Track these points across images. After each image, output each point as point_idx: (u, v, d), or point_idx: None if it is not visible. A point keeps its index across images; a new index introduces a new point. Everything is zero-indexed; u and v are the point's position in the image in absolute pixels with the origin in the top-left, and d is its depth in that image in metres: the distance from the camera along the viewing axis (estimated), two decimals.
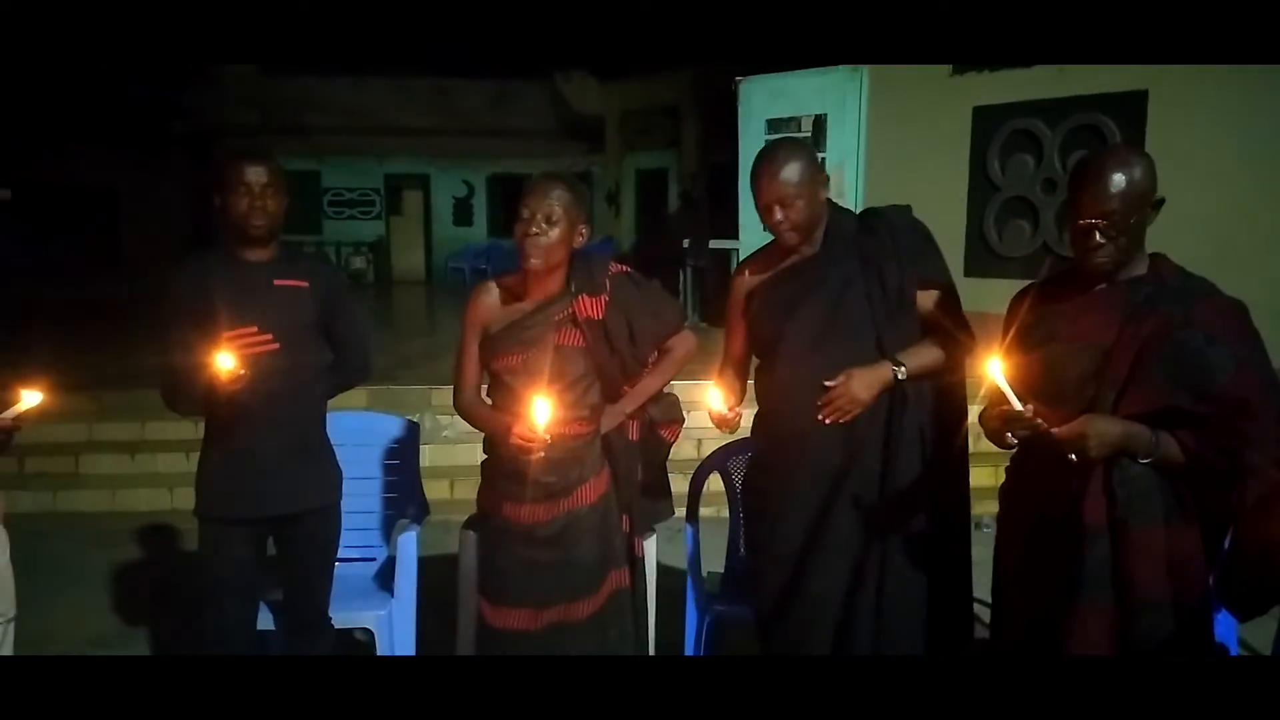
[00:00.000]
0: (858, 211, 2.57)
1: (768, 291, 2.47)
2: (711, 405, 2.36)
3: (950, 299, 2.38)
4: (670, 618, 3.16)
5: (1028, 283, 2.26)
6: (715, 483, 3.39)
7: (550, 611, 2.47)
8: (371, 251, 17.91)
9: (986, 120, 6.61)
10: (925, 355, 2.32)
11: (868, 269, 2.36)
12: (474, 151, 17.57)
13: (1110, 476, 1.94)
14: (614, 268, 2.55)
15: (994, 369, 1.89)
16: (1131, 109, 5.80)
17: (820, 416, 2.27)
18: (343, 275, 3.01)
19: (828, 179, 2.42)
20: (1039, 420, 1.89)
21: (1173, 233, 2.50)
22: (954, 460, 2.39)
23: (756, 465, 2.60)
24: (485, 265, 15.61)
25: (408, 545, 3.11)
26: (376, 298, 15.11)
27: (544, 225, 2.33)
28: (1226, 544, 2.03)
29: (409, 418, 3.64)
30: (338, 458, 2.76)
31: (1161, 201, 1.97)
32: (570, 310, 2.44)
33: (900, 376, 2.29)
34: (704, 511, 3.32)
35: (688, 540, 3.24)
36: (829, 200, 2.46)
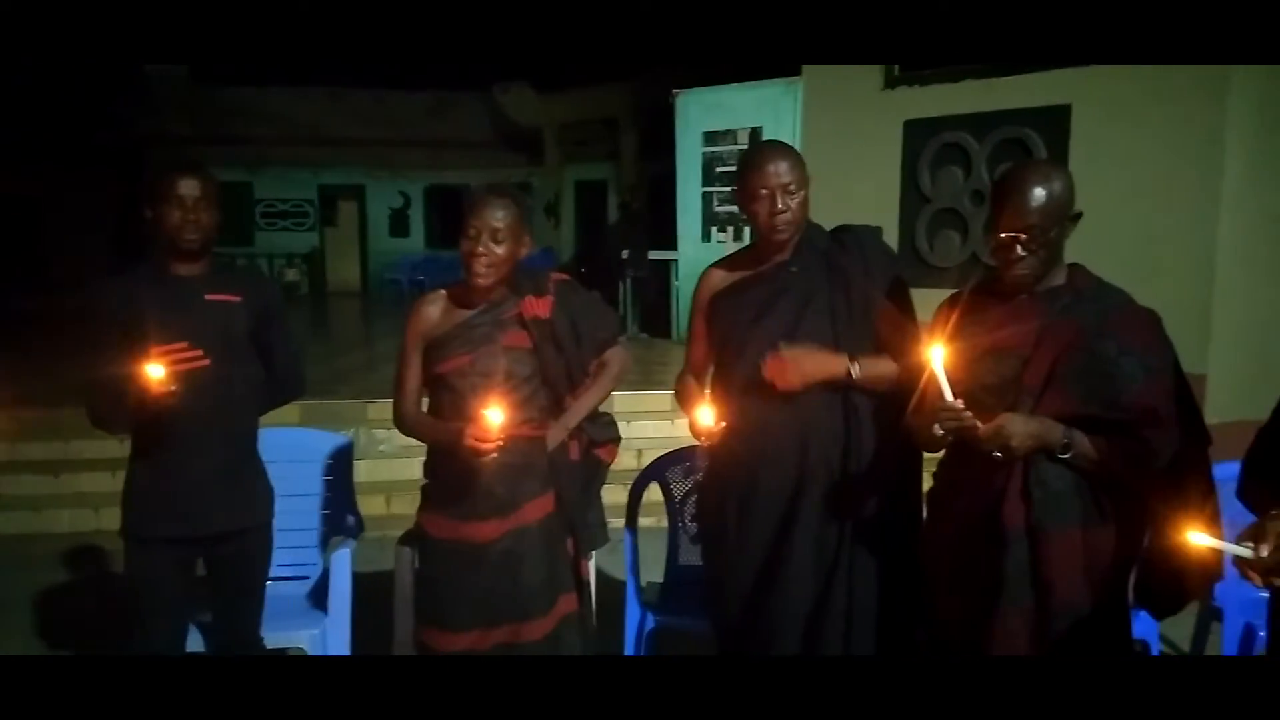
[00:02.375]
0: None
1: (733, 297, 2.48)
2: (702, 421, 2.33)
3: (910, 323, 2.39)
4: (608, 629, 3.17)
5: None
6: (654, 493, 3.40)
7: (497, 633, 2.43)
8: (305, 263, 17.63)
9: (917, 133, 6.74)
10: (881, 367, 2.34)
11: (835, 282, 2.38)
12: (411, 162, 17.43)
13: (1027, 480, 1.99)
14: (554, 275, 2.58)
15: (935, 355, 1.93)
16: (1055, 122, 5.97)
17: (765, 368, 2.28)
18: (276, 289, 2.94)
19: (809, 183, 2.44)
20: (968, 414, 1.93)
21: (1094, 243, 2.59)
22: (909, 468, 2.41)
23: (714, 476, 2.58)
24: (422, 277, 15.46)
25: (341, 562, 3.07)
26: (311, 310, 14.89)
27: (490, 244, 2.33)
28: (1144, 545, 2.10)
29: (343, 433, 3.60)
30: (269, 475, 2.72)
31: (1079, 215, 2.04)
32: (517, 311, 2.44)
33: (854, 374, 2.31)
34: (643, 521, 3.33)
35: (627, 550, 3.25)
36: None
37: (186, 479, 2.49)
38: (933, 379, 1.96)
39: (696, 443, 2.44)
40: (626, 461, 5.57)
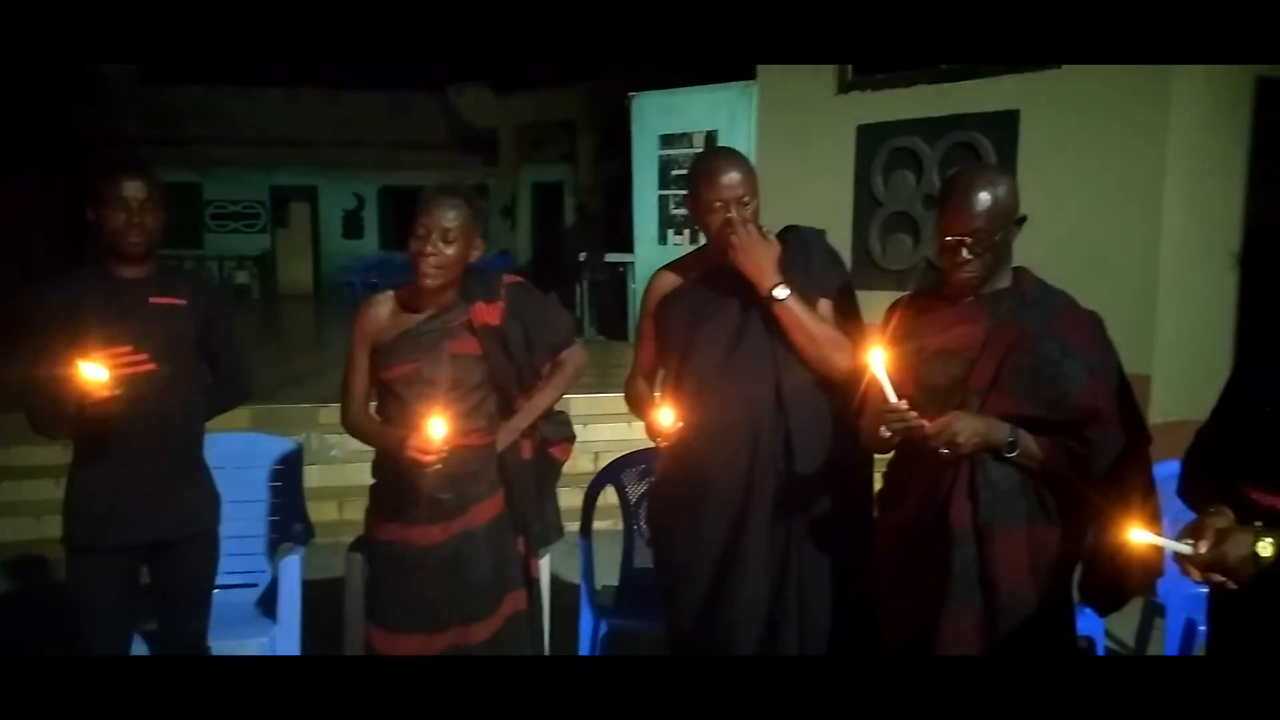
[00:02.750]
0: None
1: (681, 300, 2.47)
2: (661, 422, 2.32)
3: (854, 324, 2.40)
4: (564, 632, 3.16)
5: None
6: (610, 495, 3.40)
7: (445, 636, 2.41)
8: (256, 265, 17.39)
9: (869, 138, 6.81)
10: (813, 319, 2.32)
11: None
12: (365, 163, 17.26)
13: (974, 480, 2.02)
14: (506, 278, 2.54)
15: (875, 359, 1.95)
16: (1004, 127, 6.07)
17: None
18: (223, 292, 2.90)
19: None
20: (913, 413, 1.95)
21: (1041, 245, 2.64)
22: (859, 469, 2.41)
23: (663, 480, 2.58)
24: (376, 279, 15.30)
25: (291, 569, 3.03)
26: (262, 313, 14.68)
27: (440, 244, 2.30)
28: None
29: (294, 437, 3.56)
30: (216, 481, 2.67)
31: (1024, 219, 2.07)
32: (466, 317, 2.41)
33: (779, 295, 2.28)
34: (598, 525, 3.32)
35: (580, 554, 3.24)
36: None
37: (130, 485, 2.44)
38: (874, 382, 1.98)
39: (653, 445, 2.44)
40: (583, 465, 5.56)
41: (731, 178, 2.32)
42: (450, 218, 2.31)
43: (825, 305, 2.38)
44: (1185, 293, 5.49)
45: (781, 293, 2.28)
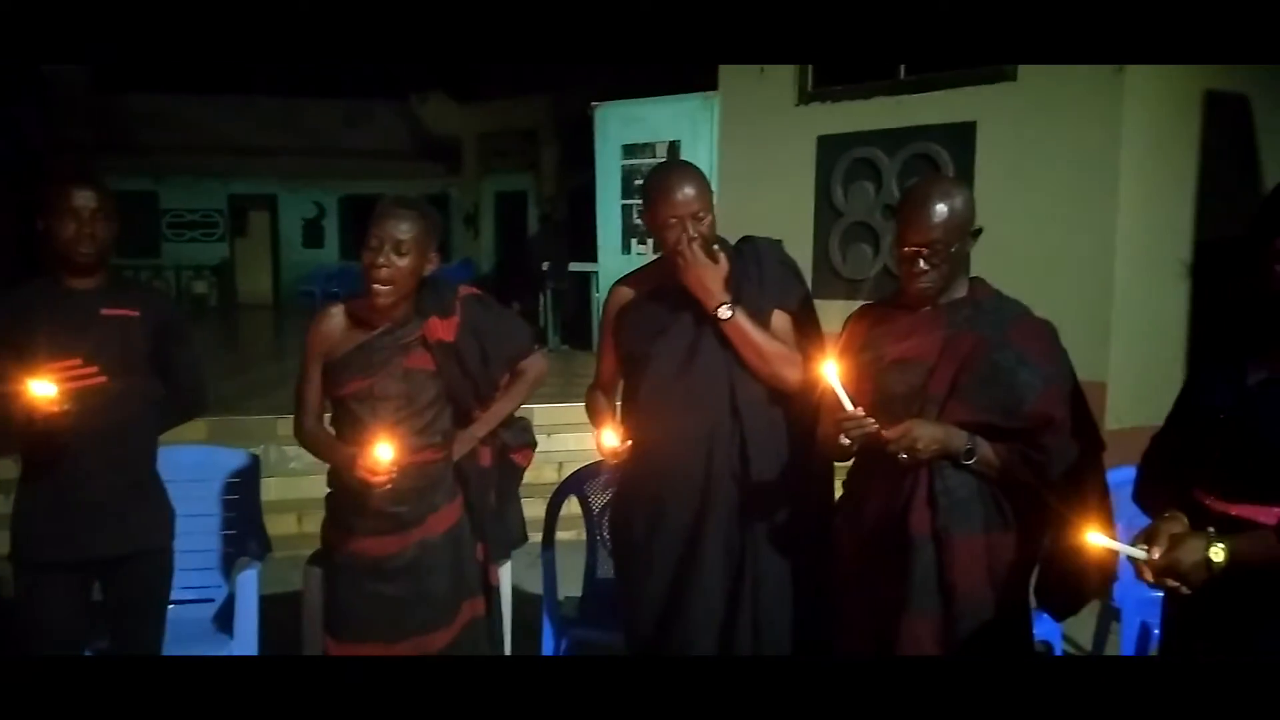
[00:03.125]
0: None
1: (638, 312, 2.48)
2: (605, 443, 2.33)
3: (810, 334, 2.41)
4: (528, 643, 3.14)
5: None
6: (573, 506, 3.39)
7: (403, 645, 2.39)
8: (215, 275, 17.16)
9: (829, 149, 6.87)
10: (763, 335, 2.33)
11: (731, 295, 2.38)
12: (325, 171, 17.10)
13: (933, 487, 2.04)
14: (462, 290, 2.52)
15: (828, 371, 1.97)
16: (962, 139, 6.14)
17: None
18: (177, 303, 2.86)
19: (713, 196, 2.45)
20: (871, 419, 1.97)
21: (998, 255, 2.68)
22: (817, 477, 2.43)
23: (622, 492, 2.59)
24: (337, 289, 15.15)
25: (248, 584, 2.99)
26: (220, 323, 14.49)
27: (393, 256, 2.27)
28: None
29: (251, 450, 3.51)
30: (171, 495, 2.62)
31: (979, 230, 2.10)
32: (420, 333, 2.39)
33: (723, 315, 2.29)
34: (562, 535, 3.31)
35: (543, 564, 3.22)
36: None
37: (80, 500, 2.40)
38: (830, 392, 1.99)
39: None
40: (547, 475, 5.54)
41: (685, 193, 2.31)
42: (404, 229, 2.28)
43: (780, 317, 2.40)
44: (1139, 301, 5.59)
45: (726, 313, 2.30)
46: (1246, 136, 5.82)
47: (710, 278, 2.30)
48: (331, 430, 2.45)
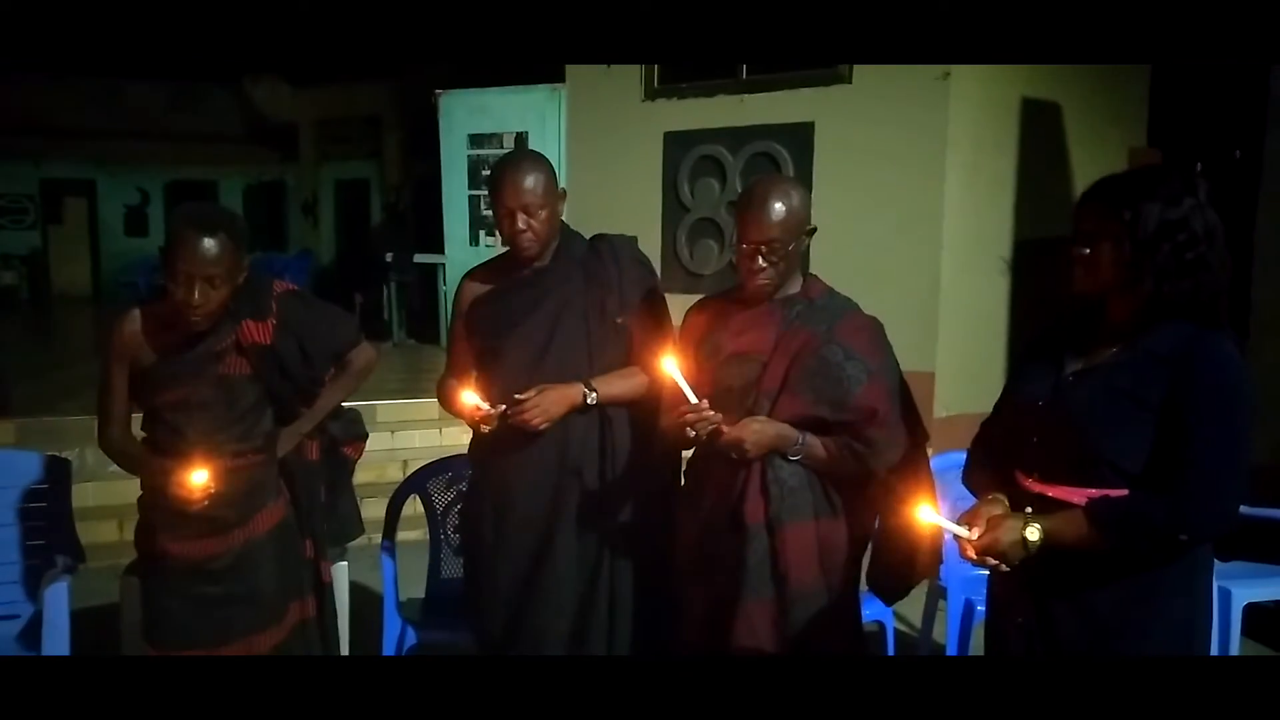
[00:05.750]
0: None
1: (492, 304, 2.44)
2: (466, 402, 2.27)
3: (663, 330, 2.43)
4: (369, 644, 3.05)
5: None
6: (417, 505, 3.31)
7: (229, 648, 2.30)
8: (25, 265, 15.86)
9: (676, 145, 6.95)
10: (625, 384, 2.37)
11: (590, 291, 2.39)
12: (150, 156, 16.07)
13: (765, 478, 2.12)
14: (278, 287, 2.40)
15: (669, 366, 2.02)
16: (801, 138, 6.33)
17: (508, 411, 2.26)
18: None
19: (564, 194, 2.43)
20: (714, 412, 2.02)
21: (834, 251, 2.80)
22: (667, 468, 2.46)
23: (473, 489, 2.56)
24: (164, 280, 14.31)
25: (58, 597, 2.77)
26: (32, 317, 13.45)
27: (208, 292, 2.12)
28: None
29: (65, 453, 3.26)
30: None
31: (814, 229, 2.19)
32: (234, 338, 2.27)
33: (590, 401, 2.33)
34: (406, 535, 3.23)
35: (384, 564, 3.13)
36: (562, 219, 2.47)
37: None
38: (672, 385, 2.04)
39: (469, 440, 2.41)
40: (392, 473, 5.39)
41: (520, 186, 2.30)
42: (212, 261, 2.11)
43: (634, 317, 2.42)
44: (964, 296, 5.91)
45: (593, 397, 2.32)
46: (1059, 142, 6.26)
47: (555, 399, 2.29)
48: (143, 434, 2.31)
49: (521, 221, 2.30)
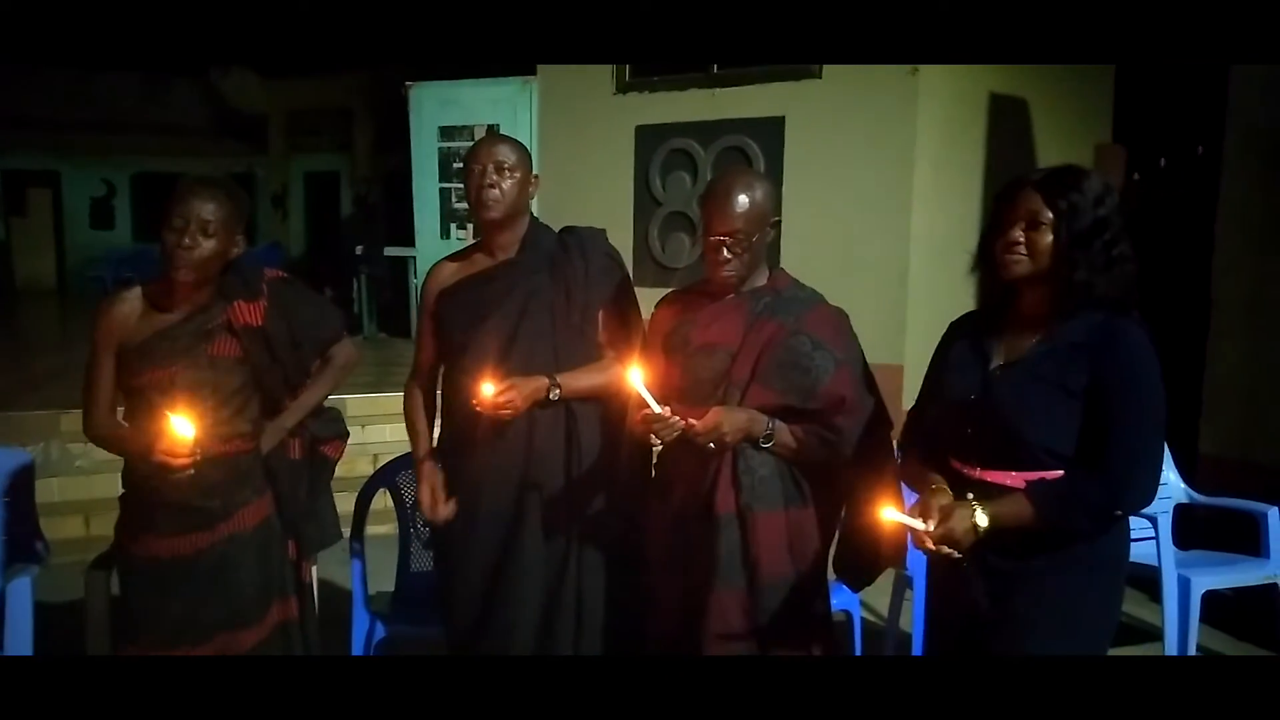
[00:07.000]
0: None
1: (459, 295, 2.44)
2: (485, 394, 2.24)
3: (631, 324, 2.44)
4: (336, 639, 3.04)
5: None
6: (386, 499, 3.30)
7: (209, 646, 2.28)
8: None
9: (648, 139, 6.96)
10: (591, 378, 2.37)
11: (556, 283, 2.39)
12: (116, 147, 15.84)
13: (736, 468, 2.14)
14: (269, 273, 2.41)
15: (634, 377, 2.02)
16: (772, 132, 6.36)
17: (474, 403, 2.26)
18: None
19: (538, 180, 2.43)
20: (678, 419, 2.03)
21: (804, 244, 2.83)
22: (636, 462, 2.46)
23: (443, 480, 2.54)
24: (131, 273, 14.03)
25: (21, 593, 2.76)
26: None
27: (199, 238, 2.15)
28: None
29: (29, 447, 3.23)
30: None
31: (778, 222, 2.21)
32: (225, 318, 2.27)
33: (553, 396, 2.33)
34: (375, 529, 3.22)
35: (353, 558, 3.12)
36: (532, 214, 2.48)
37: None
38: (638, 394, 2.04)
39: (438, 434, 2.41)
40: (361, 467, 5.37)
41: (493, 147, 2.34)
42: (210, 210, 2.16)
43: (602, 310, 2.42)
44: (932, 289, 5.95)
45: (556, 393, 2.32)
46: (1026, 137, 6.33)
47: (524, 393, 2.27)
48: (125, 424, 2.29)
49: (490, 179, 2.32)
